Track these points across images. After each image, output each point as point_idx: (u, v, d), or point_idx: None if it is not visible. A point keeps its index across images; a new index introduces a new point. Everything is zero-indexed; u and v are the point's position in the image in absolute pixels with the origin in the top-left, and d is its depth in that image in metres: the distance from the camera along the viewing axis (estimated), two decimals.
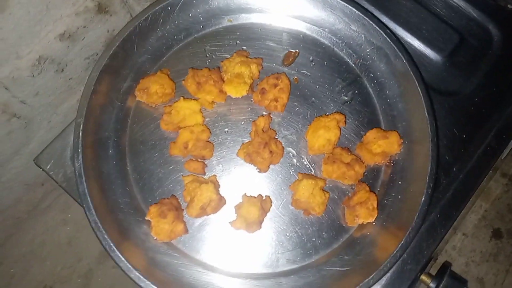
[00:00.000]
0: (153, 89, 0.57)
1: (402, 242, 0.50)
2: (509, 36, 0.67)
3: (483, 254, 0.79)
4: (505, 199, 0.82)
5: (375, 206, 0.53)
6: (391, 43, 0.59)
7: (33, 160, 0.62)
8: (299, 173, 0.56)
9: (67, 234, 0.83)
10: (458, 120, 0.62)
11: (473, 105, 0.63)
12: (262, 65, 0.61)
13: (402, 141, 0.56)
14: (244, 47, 0.62)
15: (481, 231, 0.80)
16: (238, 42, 0.63)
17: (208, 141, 0.57)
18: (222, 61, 0.60)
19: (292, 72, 0.61)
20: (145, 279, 0.48)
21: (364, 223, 0.53)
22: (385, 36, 0.59)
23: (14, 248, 0.82)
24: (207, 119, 0.59)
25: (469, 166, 0.60)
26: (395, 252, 0.49)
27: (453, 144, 0.61)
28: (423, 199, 0.51)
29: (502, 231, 0.80)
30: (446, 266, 0.59)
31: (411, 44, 0.66)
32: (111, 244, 0.50)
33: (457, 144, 0.61)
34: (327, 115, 0.58)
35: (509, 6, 0.70)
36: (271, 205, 0.55)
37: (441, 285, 0.55)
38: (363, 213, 0.52)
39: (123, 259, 0.49)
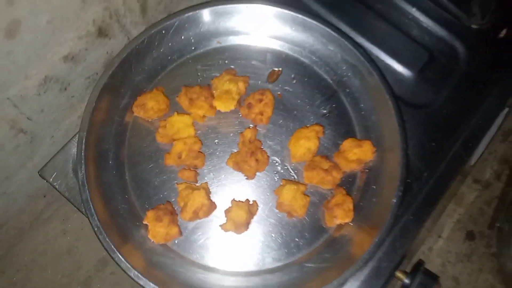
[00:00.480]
0: (149, 105, 0.62)
1: (376, 240, 0.55)
2: (474, 53, 0.72)
3: (458, 255, 0.83)
4: (478, 203, 0.87)
5: (351, 208, 0.58)
6: (365, 61, 0.64)
7: (38, 172, 0.66)
8: (283, 179, 0.61)
9: (67, 244, 0.86)
10: (428, 130, 0.67)
11: (441, 117, 0.68)
12: (248, 82, 0.66)
13: (375, 149, 0.61)
14: (232, 66, 0.68)
15: (455, 234, 0.85)
16: (226, 61, 0.68)
17: (200, 152, 0.62)
18: (212, 79, 0.65)
19: (276, 88, 0.67)
20: (143, 277, 0.53)
21: (342, 224, 0.58)
22: (359, 55, 0.65)
23: (16, 258, 0.84)
24: (199, 131, 0.64)
25: (438, 172, 0.65)
26: (369, 249, 0.54)
27: (424, 152, 0.66)
28: (394, 201, 0.56)
29: (475, 233, 0.85)
30: (419, 264, 0.64)
31: (386, 62, 0.71)
32: (112, 246, 0.54)
33: (428, 152, 0.66)
34: (308, 126, 0.63)
35: (473, 26, 0.76)
36: (257, 209, 0.60)
37: (415, 280, 0.60)
38: (340, 214, 0.57)
39: (123, 259, 0.54)
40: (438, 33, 0.74)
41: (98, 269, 0.84)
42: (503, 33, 0.75)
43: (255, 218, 0.60)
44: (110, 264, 0.86)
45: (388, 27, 0.74)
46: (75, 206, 0.64)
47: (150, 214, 0.57)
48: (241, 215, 0.57)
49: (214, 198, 0.60)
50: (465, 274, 0.81)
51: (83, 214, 0.61)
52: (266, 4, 0.66)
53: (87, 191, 0.57)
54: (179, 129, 0.61)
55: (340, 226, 0.59)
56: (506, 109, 0.78)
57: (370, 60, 0.65)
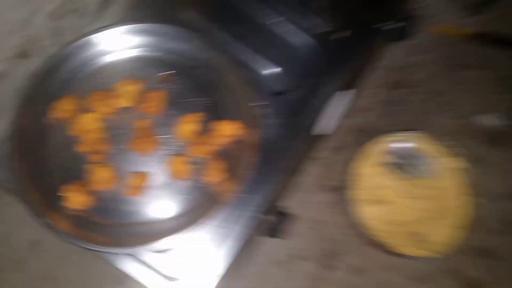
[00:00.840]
0: (63, 108, 0.80)
1: (241, 190, 0.76)
2: (325, 50, 0.93)
3: (320, 203, 1.06)
4: (336, 163, 1.12)
5: (224, 169, 0.78)
6: (234, 62, 0.84)
7: None
8: (173, 154, 0.80)
9: (1, 232, 1.02)
10: (289, 110, 0.87)
11: (299, 100, 0.89)
12: (143, 84, 0.84)
13: (242, 127, 0.80)
14: (129, 74, 0.85)
15: (320, 189, 1.08)
16: (122, 70, 0.86)
17: (105, 139, 0.80)
18: (114, 84, 0.83)
19: (167, 87, 0.84)
20: (71, 236, 0.71)
21: (218, 182, 0.79)
22: (229, 58, 0.84)
23: None
24: (105, 124, 0.81)
25: (292, 139, 0.86)
26: (234, 196, 0.76)
27: (286, 126, 0.86)
28: (255, 162, 0.78)
29: (335, 187, 1.10)
30: (276, 206, 0.88)
31: (259, 62, 0.91)
32: (42, 217, 0.72)
33: (288, 127, 0.86)
34: (192, 113, 0.82)
35: (326, 29, 0.95)
36: (151, 177, 0.79)
37: (273, 218, 0.84)
38: (216, 175, 0.78)
39: (51, 224, 0.72)
40: (301, 37, 0.94)
41: (32, 248, 1.00)
42: (338, 34, 1.00)
43: (155, 184, 0.79)
44: (41, 244, 1.02)
45: (263, 34, 0.94)
46: (8, 193, 0.80)
47: (66, 187, 0.75)
48: (139, 182, 0.77)
49: (118, 172, 0.79)
50: (326, 216, 1.06)
51: (15, 196, 0.77)
52: (146, 24, 0.86)
53: (20, 180, 0.75)
54: (88, 123, 0.79)
55: (217, 184, 0.79)
56: (352, 91, 1.05)
57: (238, 61, 0.85)
